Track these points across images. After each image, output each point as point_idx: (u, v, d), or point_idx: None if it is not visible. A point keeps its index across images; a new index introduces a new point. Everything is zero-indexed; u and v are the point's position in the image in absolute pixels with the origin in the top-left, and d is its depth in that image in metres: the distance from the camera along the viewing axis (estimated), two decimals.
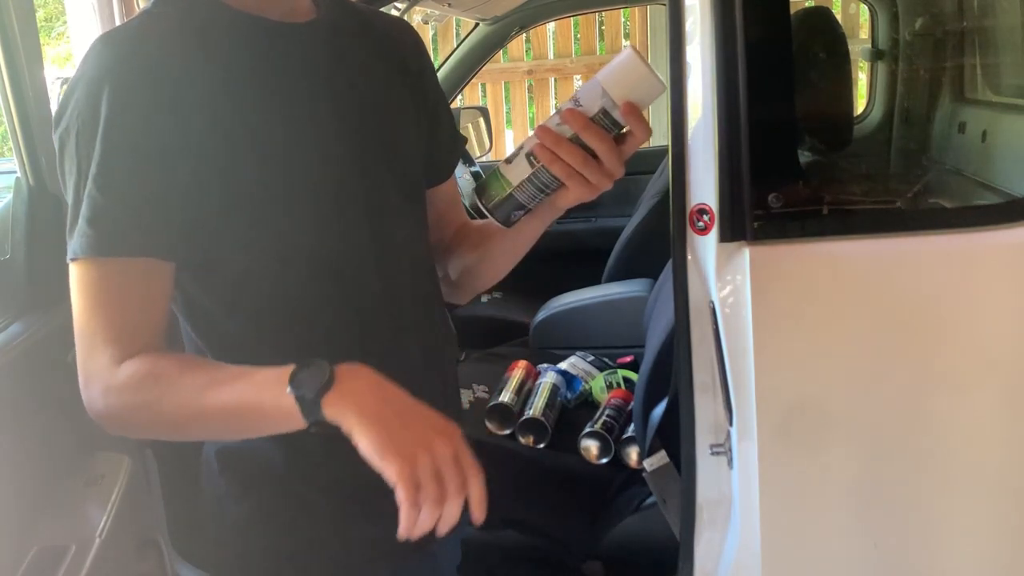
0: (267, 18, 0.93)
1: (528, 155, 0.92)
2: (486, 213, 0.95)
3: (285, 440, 0.90)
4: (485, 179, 0.95)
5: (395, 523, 0.93)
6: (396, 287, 1.00)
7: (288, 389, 0.80)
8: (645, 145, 0.99)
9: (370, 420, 0.79)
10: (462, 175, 2.80)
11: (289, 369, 0.81)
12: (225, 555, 1.05)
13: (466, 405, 2.24)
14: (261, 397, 0.83)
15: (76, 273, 0.86)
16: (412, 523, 0.78)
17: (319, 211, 0.94)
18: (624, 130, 0.93)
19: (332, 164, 0.95)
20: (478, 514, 0.80)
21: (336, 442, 0.94)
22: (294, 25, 0.95)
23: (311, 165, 0.93)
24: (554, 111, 0.95)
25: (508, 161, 0.94)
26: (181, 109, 0.85)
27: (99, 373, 0.85)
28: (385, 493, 0.96)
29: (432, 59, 1.16)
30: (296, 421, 0.81)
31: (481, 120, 3.10)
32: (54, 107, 1.03)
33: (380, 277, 0.98)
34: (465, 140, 1.23)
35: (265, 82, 0.91)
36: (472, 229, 1.15)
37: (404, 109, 1.04)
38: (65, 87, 0.87)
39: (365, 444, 0.78)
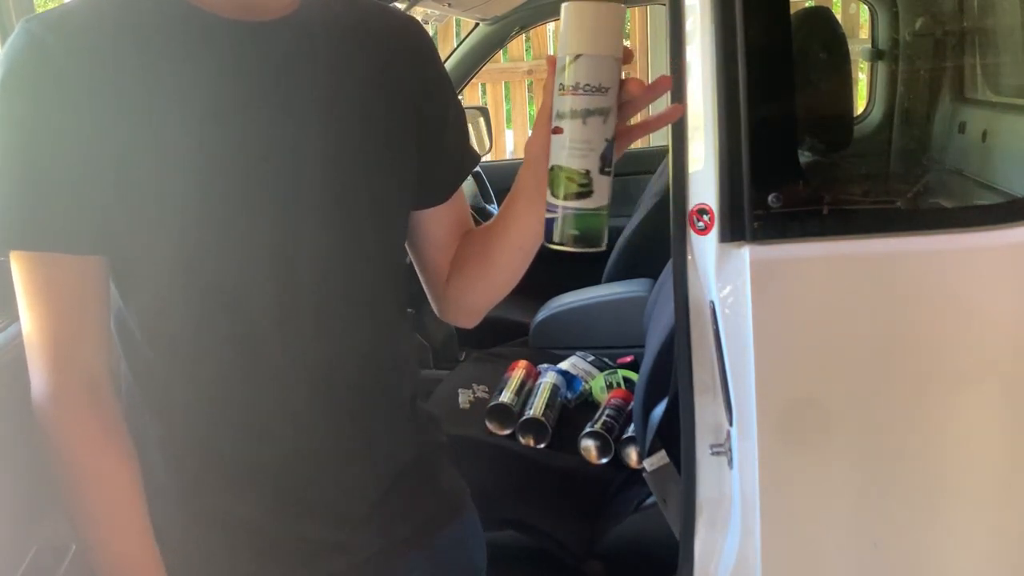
0: (214, 13, 0.84)
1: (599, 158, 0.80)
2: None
3: (172, 462, 0.89)
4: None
5: (294, 565, 0.90)
6: (300, 325, 0.88)
7: None
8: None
9: None
10: None
11: None
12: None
13: (466, 405, 2.24)
14: None
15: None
16: None
17: (213, 231, 0.84)
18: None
19: (245, 180, 0.84)
20: None
21: (228, 477, 0.90)
22: (249, 24, 0.85)
23: (214, 179, 0.83)
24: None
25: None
26: (83, 102, 0.79)
27: (37, 380, 0.83)
28: (285, 532, 0.91)
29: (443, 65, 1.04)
30: None
31: (481, 120, 3.09)
32: None
33: (280, 316, 0.87)
34: (478, 157, 1.08)
35: (188, 82, 0.82)
36: (475, 236, 1.04)
37: (378, 122, 0.92)
38: None
39: None
